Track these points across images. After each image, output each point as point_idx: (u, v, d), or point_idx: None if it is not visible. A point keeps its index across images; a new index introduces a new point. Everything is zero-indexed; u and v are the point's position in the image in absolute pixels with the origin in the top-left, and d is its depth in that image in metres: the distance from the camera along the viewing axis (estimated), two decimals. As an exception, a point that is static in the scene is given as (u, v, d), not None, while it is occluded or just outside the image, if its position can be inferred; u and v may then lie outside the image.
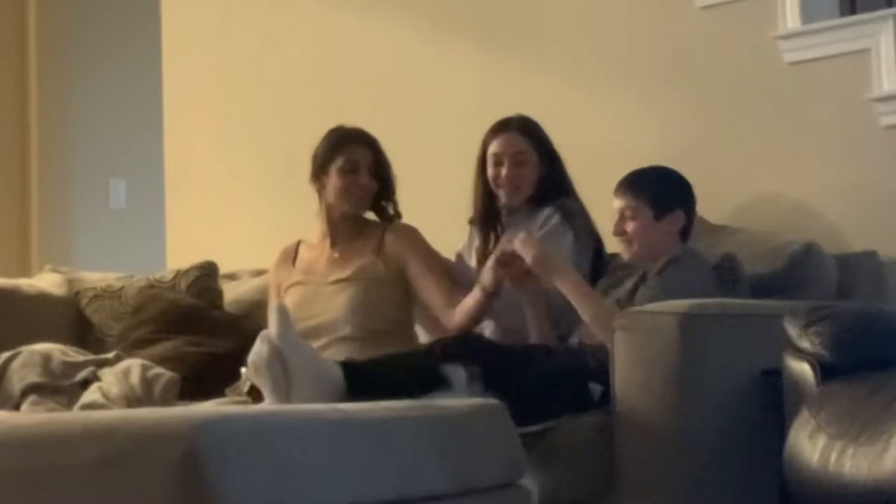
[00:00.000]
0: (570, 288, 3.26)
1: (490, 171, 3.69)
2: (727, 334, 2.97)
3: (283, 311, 2.93)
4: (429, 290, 3.62)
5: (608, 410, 2.99)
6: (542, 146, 3.68)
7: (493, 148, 3.68)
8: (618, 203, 3.40)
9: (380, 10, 4.74)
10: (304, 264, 3.78)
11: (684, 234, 3.39)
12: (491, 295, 3.43)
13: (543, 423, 3.00)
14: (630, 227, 3.36)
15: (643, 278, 3.29)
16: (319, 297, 3.65)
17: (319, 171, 3.72)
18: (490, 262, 3.45)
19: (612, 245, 3.59)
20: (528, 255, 3.31)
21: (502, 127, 3.71)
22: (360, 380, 2.97)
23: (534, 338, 3.41)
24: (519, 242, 3.33)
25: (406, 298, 3.68)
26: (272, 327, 2.91)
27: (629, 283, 3.32)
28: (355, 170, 3.69)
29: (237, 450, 2.19)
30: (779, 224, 3.64)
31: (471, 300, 3.49)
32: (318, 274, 3.72)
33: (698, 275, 3.24)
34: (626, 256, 3.41)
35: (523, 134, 3.68)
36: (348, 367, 3.01)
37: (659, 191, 3.37)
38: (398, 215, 3.78)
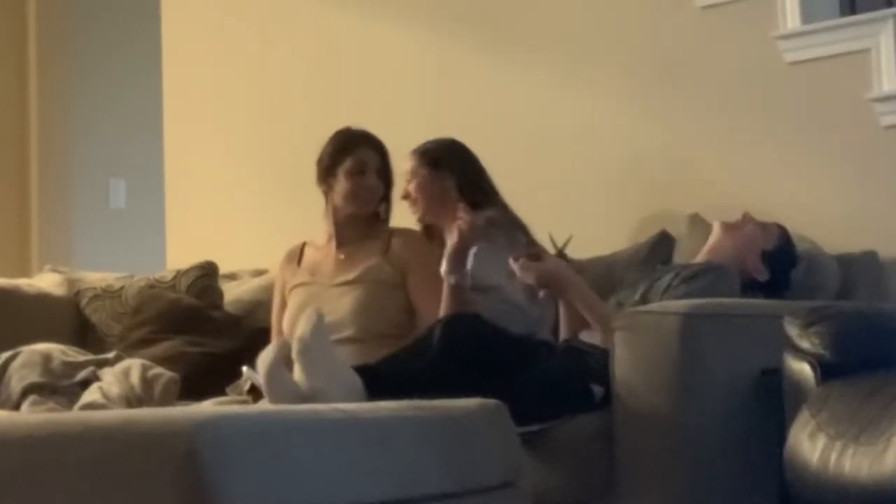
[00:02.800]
0: (579, 298, 3.27)
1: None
2: (727, 334, 2.97)
3: (318, 316, 2.92)
4: (424, 305, 3.61)
5: (609, 411, 2.99)
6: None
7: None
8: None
9: (380, 11, 4.74)
10: (310, 265, 3.77)
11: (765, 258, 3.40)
12: (454, 282, 3.46)
13: (543, 424, 3.01)
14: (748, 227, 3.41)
15: (675, 278, 3.29)
16: (324, 298, 3.64)
17: (326, 174, 3.71)
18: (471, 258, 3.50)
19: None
20: (530, 280, 3.32)
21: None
22: (381, 384, 2.97)
23: (564, 332, 3.42)
24: (518, 271, 3.34)
25: (409, 302, 3.67)
26: (303, 328, 2.90)
27: (665, 280, 3.31)
28: (364, 171, 3.67)
29: (237, 450, 2.19)
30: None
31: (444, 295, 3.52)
32: (324, 275, 3.71)
33: (729, 284, 3.24)
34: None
35: (418, 156, 3.77)
36: (366, 372, 3.01)
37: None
38: (386, 220, 3.78)
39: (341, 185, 3.68)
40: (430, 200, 3.73)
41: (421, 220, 3.78)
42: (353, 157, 3.68)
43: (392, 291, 3.64)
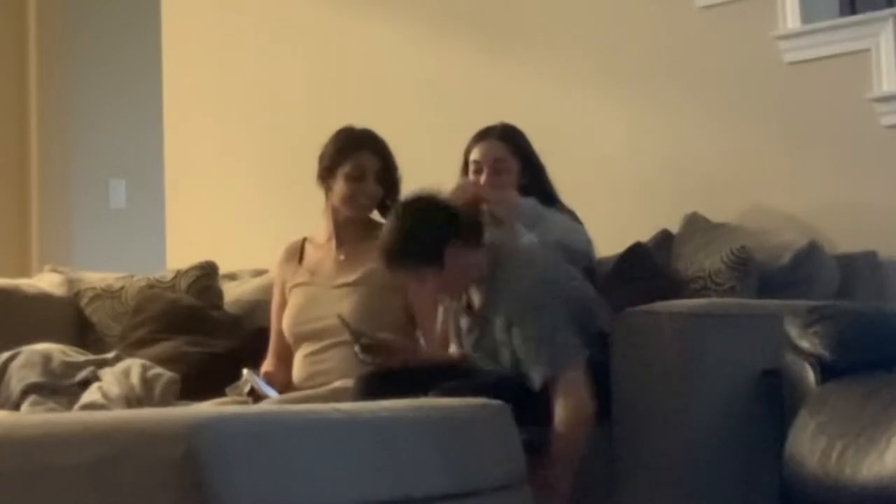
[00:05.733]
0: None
1: (471, 178, 3.63)
2: (727, 334, 2.97)
3: None
4: (422, 310, 3.58)
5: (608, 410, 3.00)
6: (523, 154, 3.61)
7: (474, 155, 3.63)
8: None
9: (380, 11, 4.74)
10: (310, 264, 3.75)
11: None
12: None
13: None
14: None
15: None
16: (325, 300, 3.62)
17: (326, 173, 3.68)
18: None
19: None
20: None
21: (484, 134, 3.65)
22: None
23: None
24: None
25: (409, 305, 3.64)
26: None
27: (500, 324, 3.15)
28: (363, 176, 3.63)
29: (237, 450, 2.19)
30: (778, 223, 3.64)
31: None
32: (324, 276, 3.69)
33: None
34: None
35: (504, 141, 3.61)
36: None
37: None
38: None
39: (340, 187, 3.65)
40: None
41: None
42: (352, 161, 3.64)
43: (392, 295, 3.62)
